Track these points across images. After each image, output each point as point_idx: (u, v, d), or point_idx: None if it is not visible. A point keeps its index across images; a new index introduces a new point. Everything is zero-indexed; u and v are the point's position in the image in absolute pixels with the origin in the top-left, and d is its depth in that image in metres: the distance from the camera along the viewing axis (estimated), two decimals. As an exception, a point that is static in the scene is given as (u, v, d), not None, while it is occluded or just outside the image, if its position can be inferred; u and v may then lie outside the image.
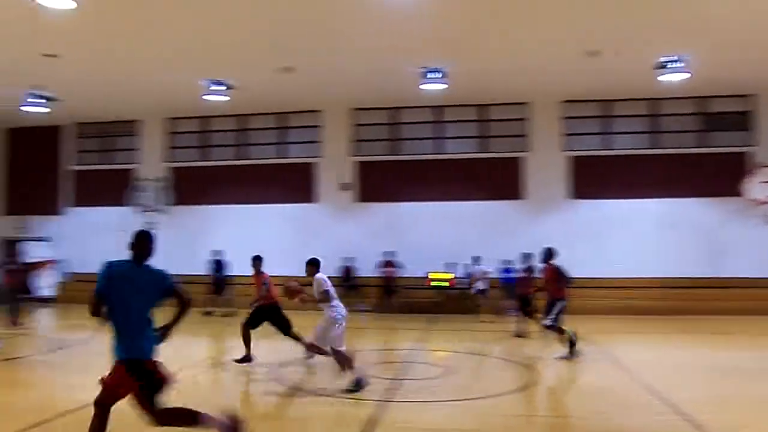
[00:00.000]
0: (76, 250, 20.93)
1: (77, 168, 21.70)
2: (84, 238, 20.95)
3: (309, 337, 8.56)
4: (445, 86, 15.66)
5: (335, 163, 19.61)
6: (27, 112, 18.52)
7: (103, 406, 4.64)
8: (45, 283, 20.78)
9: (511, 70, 15.70)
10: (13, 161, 22.36)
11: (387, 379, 8.75)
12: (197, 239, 19.99)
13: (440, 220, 18.64)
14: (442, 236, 18.34)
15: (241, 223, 19.71)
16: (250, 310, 10.19)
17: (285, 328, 9.88)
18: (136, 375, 4.58)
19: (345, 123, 19.65)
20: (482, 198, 18.78)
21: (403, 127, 19.51)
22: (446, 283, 17.90)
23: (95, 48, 13.98)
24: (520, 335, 12.83)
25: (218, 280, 17.70)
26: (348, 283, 17.81)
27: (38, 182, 21.87)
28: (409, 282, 18.13)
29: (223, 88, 16.57)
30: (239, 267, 19.16)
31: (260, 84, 16.81)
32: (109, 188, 20.95)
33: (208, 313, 16.55)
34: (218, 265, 17.87)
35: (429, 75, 15.11)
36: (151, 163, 20.83)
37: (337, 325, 8.09)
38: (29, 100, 17.68)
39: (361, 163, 19.57)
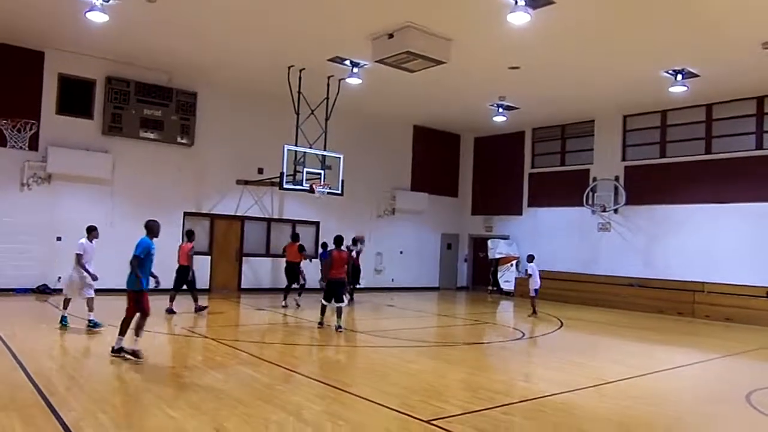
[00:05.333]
0: (532, 248, 22.29)
1: (535, 170, 23.05)
2: (539, 237, 22.18)
3: None
4: None
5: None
6: (495, 121, 20.64)
7: None
8: (507, 277, 22.68)
9: None
10: (480, 167, 25.11)
11: None
12: (653, 240, 19.10)
13: None
14: None
15: (706, 224, 17.85)
16: None
17: None
18: None
19: None
20: None
21: None
22: None
23: (552, 55, 14.49)
24: None
25: None
26: None
27: (501, 185, 24.03)
28: None
29: (687, 77, 15.31)
30: (700, 272, 17.75)
31: (732, 67, 14.83)
32: (564, 189, 21.62)
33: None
34: None
35: None
36: (606, 162, 20.64)
37: None
38: (494, 110, 19.68)
39: None
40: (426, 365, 9.02)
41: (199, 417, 5.75)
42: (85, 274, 10.40)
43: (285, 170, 16.39)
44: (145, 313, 8.36)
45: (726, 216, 17.47)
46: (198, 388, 6.89)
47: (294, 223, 20.02)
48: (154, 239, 8.66)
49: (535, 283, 15.99)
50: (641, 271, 19.15)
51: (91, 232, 10.74)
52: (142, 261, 8.31)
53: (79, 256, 10.43)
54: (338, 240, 12.28)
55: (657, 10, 11.65)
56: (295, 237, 16.45)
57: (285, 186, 16.51)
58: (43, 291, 15.44)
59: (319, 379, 7.52)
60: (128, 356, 8.07)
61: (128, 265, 8.33)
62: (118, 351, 8.18)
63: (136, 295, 8.30)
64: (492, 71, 15.94)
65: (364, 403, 6.54)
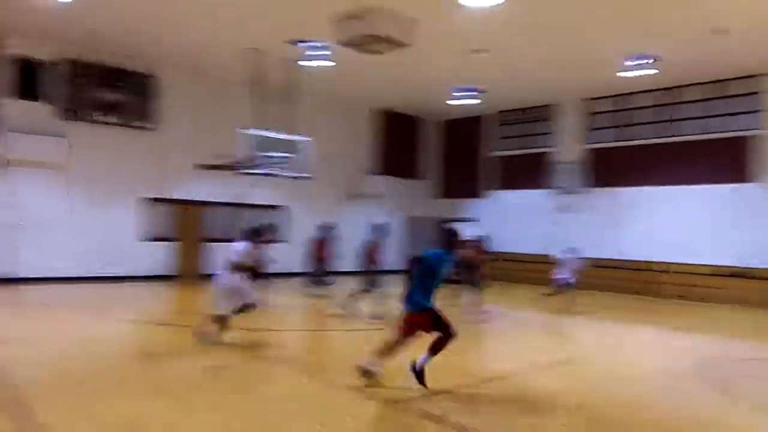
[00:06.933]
0: (498, 230, 22.51)
1: (499, 154, 23.22)
2: (504, 220, 22.41)
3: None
4: None
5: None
6: (458, 105, 20.67)
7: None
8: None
9: None
10: (444, 150, 25.21)
11: None
12: (613, 222, 19.46)
13: None
14: None
15: (662, 205, 18.35)
16: None
17: None
18: None
19: (797, 85, 16.35)
20: None
21: None
22: None
23: (516, 39, 14.54)
24: None
25: None
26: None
27: (465, 168, 24.16)
28: None
29: (644, 62, 15.53)
30: (663, 252, 18.20)
31: (686, 53, 15.14)
32: (528, 172, 21.86)
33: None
34: None
35: None
36: (568, 145, 20.92)
37: None
38: (458, 93, 19.70)
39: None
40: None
41: (169, 405, 5.68)
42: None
43: (248, 154, 16.16)
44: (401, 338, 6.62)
45: (687, 198, 17.92)
46: (167, 377, 6.81)
47: (259, 207, 19.84)
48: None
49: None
50: (605, 252, 19.47)
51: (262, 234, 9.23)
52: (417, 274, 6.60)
53: (234, 263, 8.61)
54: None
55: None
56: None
57: (248, 170, 16.30)
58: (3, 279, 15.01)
59: (290, 364, 7.49)
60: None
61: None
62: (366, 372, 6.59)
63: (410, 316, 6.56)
64: (456, 54, 15.92)
65: (332, 387, 6.54)
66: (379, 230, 12.23)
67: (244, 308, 8.56)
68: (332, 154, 21.12)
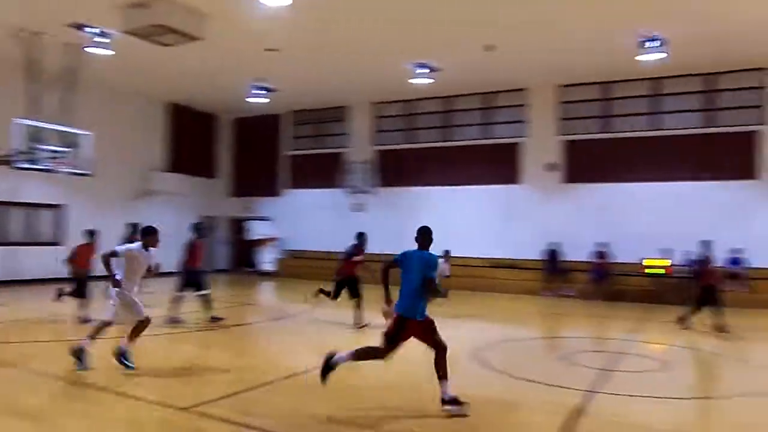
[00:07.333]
0: (293, 228, 22.82)
1: (293, 153, 23.52)
2: (299, 218, 22.77)
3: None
4: (664, 55, 14.36)
5: (541, 143, 18.98)
6: (253, 102, 20.54)
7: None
8: (267, 258, 22.97)
9: (743, 33, 13.92)
10: (238, 148, 24.93)
11: (595, 369, 8.27)
12: (403, 220, 20.68)
13: (656, 202, 17.20)
14: (657, 220, 16.93)
15: (445, 204, 19.98)
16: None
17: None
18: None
19: (552, 101, 18.88)
20: (708, 178, 16.84)
21: (615, 102, 18.20)
22: (662, 271, 16.54)
23: (309, 41, 14.91)
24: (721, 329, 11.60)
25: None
26: (553, 267, 17.60)
27: (260, 167, 24.12)
28: (620, 268, 17.00)
29: (427, 70, 16.81)
30: (448, 247, 19.72)
31: (464, 64, 16.74)
32: (322, 171, 22.45)
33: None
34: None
35: (647, 44, 13.99)
36: (359, 146, 21.86)
37: None
38: (253, 91, 19.59)
39: (569, 142, 18.67)
40: (187, 351, 8.84)
41: None
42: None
43: (19, 147, 14.54)
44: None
45: (467, 197, 19.87)
46: None
47: (32, 206, 17.94)
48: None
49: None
50: (394, 247, 20.54)
51: (149, 235, 7.75)
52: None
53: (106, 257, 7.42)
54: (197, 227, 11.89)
55: (401, 7, 12.67)
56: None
57: (19, 165, 14.66)
58: None
59: (67, 379, 6.96)
60: None
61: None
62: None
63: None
64: (250, 51, 15.86)
65: (116, 398, 6.24)
66: (199, 229, 11.85)
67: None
68: (119, 149, 19.83)
